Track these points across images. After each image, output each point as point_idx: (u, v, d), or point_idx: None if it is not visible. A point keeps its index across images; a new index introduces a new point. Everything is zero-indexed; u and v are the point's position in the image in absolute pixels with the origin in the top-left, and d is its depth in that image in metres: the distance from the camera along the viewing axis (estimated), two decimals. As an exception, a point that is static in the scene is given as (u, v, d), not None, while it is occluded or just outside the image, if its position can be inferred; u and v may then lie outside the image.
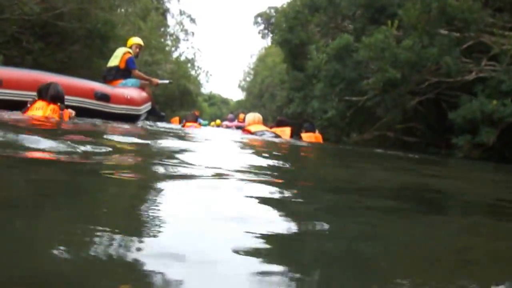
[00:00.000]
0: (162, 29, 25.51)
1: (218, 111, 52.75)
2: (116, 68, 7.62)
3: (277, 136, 6.55)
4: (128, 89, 7.31)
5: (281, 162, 2.91)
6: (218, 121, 23.80)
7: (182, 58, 26.62)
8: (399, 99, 9.35)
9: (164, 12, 25.19)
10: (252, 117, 7.10)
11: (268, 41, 43.42)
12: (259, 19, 46.08)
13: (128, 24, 17.94)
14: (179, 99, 23.67)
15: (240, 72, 79.18)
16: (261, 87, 28.97)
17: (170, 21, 27.23)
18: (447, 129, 10.22)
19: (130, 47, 8.11)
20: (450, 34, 8.54)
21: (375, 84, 8.89)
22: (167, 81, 10.44)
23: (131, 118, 7.07)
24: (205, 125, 19.17)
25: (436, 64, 8.50)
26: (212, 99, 58.39)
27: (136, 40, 8.45)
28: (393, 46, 8.61)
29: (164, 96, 22.76)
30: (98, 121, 5.78)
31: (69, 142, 2.14)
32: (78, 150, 2.03)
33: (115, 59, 7.69)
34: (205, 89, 37.15)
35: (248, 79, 40.02)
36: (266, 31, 46.73)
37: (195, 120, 10.67)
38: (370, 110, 11.33)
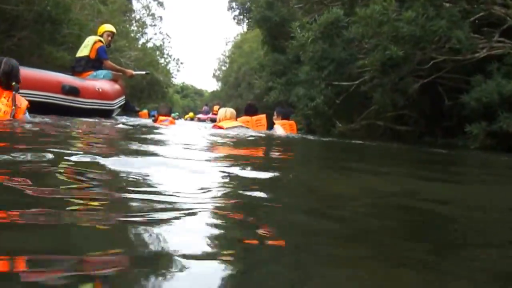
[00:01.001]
0: (128, 15, 23.65)
1: (191, 103, 50.83)
2: (86, 58, 7.13)
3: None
4: (99, 82, 6.81)
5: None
6: (191, 114, 22.41)
7: (150, 45, 24.68)
8: (401, 82, 7.98)
9: (129, -5, 23.27)
10: (224, 112, 6.40)
11: (244, 27, 41.92)
12: (233, 4, 44.60)
13: (86, 8, 16.09)
14: (147, 90, 21.89)
15: (215, 61, 76.71)
16: (237, 75, 27.33)
17: (136, 5, 25.31)
18: (442, 116, 9.08)
19: (101, 35, 7.54)
20: (461, 3, 7.20)
21: (373, 64, 7.48)
22: (143, 72, 9.73)
23: (103, 113, 6.57)
24: (175, 117, 18.47)
25: (444, 39, 7.14)
26: (185, 91, 56.43)
27: (108, 27, 7.81)
28: (393, 18, 7.21)
29: (129, 87, 20.99)
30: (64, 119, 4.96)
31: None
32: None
33: (85, 49, 7.21)
34: (176, 79, 35.07)
35: (223, 68, 38.25)
36: (241, 16, 45.30)
37: (169, 113, 9.48)
38: (362, 96, 10.06)
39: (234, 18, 45.25)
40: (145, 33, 25.95)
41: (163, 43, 25.77)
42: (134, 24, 24.87)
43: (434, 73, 8.26)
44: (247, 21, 40.86)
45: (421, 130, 9.74)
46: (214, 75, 41.22)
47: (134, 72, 8.58)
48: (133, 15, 24.45)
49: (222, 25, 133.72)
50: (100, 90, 6.60)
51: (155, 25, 26.23)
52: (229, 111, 6.41)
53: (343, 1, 8.96)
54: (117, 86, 7.19)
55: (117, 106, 7.18)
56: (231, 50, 36.36)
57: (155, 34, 26.24)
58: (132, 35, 21.46)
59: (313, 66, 8.63)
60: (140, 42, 23.92)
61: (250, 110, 6.84)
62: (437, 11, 7.11)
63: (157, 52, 24.42)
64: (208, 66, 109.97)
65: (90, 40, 7.34)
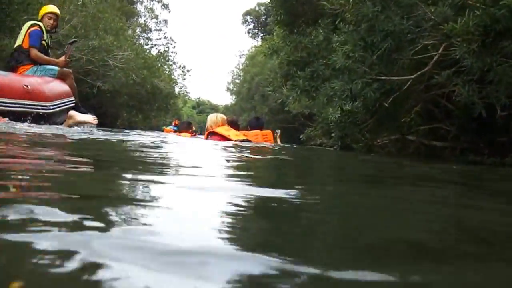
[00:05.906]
0: (131, 19, 21.08)
1: (207, 118, 48.88)
2: (19, 49, 6.13)
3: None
4: (30, 78, 5.86)
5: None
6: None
7: (154, 51, 21.90)
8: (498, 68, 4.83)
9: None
10: (216, 119, 6.10)
11: (258, 41, 39.98)
12: (248, 18, 42.63)
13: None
14: (148, 100, 19.06)
15: (229, 75, 75.03)
16: (250, 86, 24.56)
17: (139, 8, 22.70)
18: (490, 129, 6.32)
19: (41, 20, 6.47)
20: None
21: (466, 31, 4.34)
22: (70, 42, 7.16)
23: (33, 117, 5.56)
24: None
25: None
26: (201, 106, 55.22)
27: (50, 8, 6.65)
28: None
29: (128, 98, 18.18)
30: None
31: None
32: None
33: (19, 38, 6.27)
34: (190, 92, 32.49)
35: (237, 81, 35.75)
36: (256, 30, 43.29)
37: (189, 128, 10.19)
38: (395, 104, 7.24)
39: (248, 32, 43.03)
40: (150, 39, 23.29)
41: (168, 48, 22.91)
42: (138, 30, 22.25)
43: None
44: (261, 35, 38.92)
45: (462, 146, 7.14)
46: (228, 89, 38.72)
47: (64, 58, 6.65)
48: (135, 19, 21.78)
49: (236, 38, 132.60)
50: (29, 87, 5.54)
51: (159, 30, 23.55)
52: (220, 116, 6.04)
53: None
54: (62, 86, 6.14)
55: (58, 109, 5.91)
56: (244, 62, 33.97)
57: (159, 39, 23.52)
58: (131, 37, 18.69)
59: (357, 44, 5.50)
60: (143, 47, 21.27)
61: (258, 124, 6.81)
62: None
63: (161, 59, 21.59)
64: (223, 81, 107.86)
65: (25, 26, 6.36)
